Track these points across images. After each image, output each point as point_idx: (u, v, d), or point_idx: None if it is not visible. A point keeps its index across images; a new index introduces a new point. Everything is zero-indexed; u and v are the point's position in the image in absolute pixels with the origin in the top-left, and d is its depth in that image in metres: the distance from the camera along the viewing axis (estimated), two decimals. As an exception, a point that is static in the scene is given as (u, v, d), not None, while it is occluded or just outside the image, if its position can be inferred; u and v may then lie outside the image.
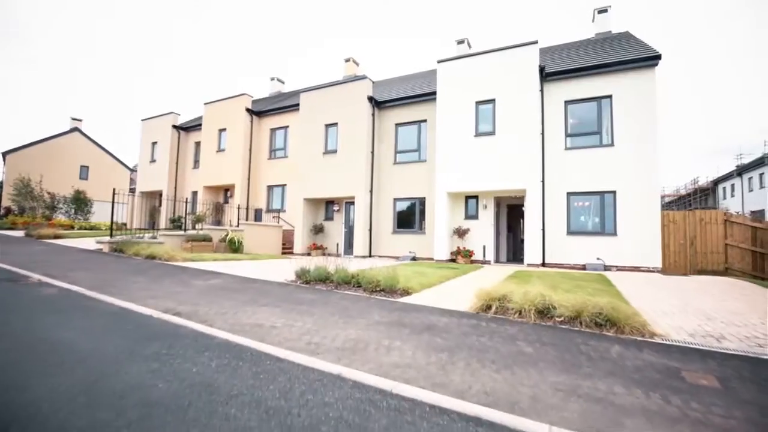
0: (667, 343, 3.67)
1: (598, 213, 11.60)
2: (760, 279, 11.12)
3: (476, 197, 13.27)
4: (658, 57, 10.92)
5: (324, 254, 15.70)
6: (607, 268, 11.07)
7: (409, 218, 14.68)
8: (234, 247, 13.18)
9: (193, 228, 14.97)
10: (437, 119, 13.18)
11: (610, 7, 15.67)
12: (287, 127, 18.49)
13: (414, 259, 14.01)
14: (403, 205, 14.87)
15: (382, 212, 15.06)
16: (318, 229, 15.92)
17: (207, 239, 13.02)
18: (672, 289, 7.30)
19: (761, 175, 26.55)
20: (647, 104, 11.08)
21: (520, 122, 11.85)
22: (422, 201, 14.33)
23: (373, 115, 14.99)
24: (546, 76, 12.10)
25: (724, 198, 32.11)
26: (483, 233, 13.01)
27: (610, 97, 11.59)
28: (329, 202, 16.35)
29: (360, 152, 14.63)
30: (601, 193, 11.53)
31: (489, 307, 4.95)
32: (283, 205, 18.26)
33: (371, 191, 14.79)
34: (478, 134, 12.49)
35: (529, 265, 11.54)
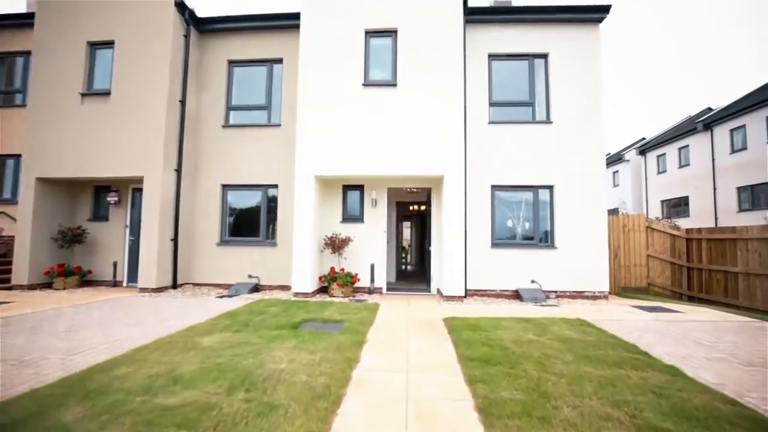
0: None
1: (530, 216, 7.91)
2: (679, 296, 9.18)
3: (361, 187, 8.15)
4: (606, 9, 7.82)
5: (79, 284, 8.15)
6: (546, 294, 7.41)
7: (252, 220, 8.55)
8: None
9: None
10: (301, 57, 7.53)
11: (510, -28, 12.80)
12: (28, 53, 9.85)
13: (257, 289, 7.97)
14: (240, 198, 8.63)
15: (201, 208, 8.50)
16: (73, 238, 8.20)
17: None
18: (729, 354, 3.55)
19: (615, 173, 26.55)
20: (591, 70, 7.89)
21: (435, 69, 7.23)
22: (273, 191, 8.43)
23: (186, 37, 8.26)
24: (469, 13, 7.83)
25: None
26: (371, 244, 7.98)
27: (545, 56, 8.04)
28: (101, 188, 8.79)
29: (157, 99, 7.75)
30: (535, 188, 7.87)
31: None
32: (16, 191, 9.60)
33: (179, 170, 8.05)
34: (368, 84, 7.37)
35: (446, 297, 6.98)
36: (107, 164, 7.83)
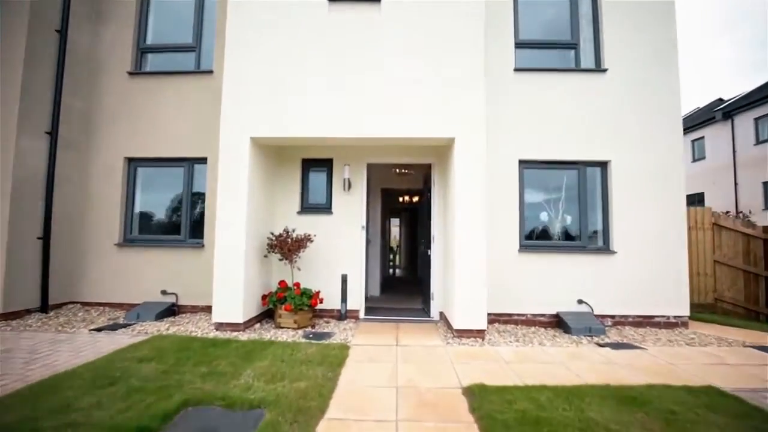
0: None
1: (574, 206, 5.40)
2: (755, 315, 6.79)
3: (329, 163, 5.53)
4: None
5: None
6: (600, 320, 4.90)
7: (170, 210, 5.84)
8: None
9: None
10: (240, -34, 4.87)
11: None
12: None
13: (173, 312, 5.26)
14: (155, 178, 5.87)
15: (97, 192, 5.68)
16: None
17: None
18: None
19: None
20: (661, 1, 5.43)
21: (440, -24, 4.66)
22: (201, 168, 5.74)
23: (71, -62, 5.53)
24: None
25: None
26: (344, 245, 5.35)
27: (594, -23, 5.55)
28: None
29: (12, 22, 5.01)
30: (582, 165, 5.35)
31: None
32: None
33: (54, 134, 5.29)
34: None
35: (457, 332, 4.39)
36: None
